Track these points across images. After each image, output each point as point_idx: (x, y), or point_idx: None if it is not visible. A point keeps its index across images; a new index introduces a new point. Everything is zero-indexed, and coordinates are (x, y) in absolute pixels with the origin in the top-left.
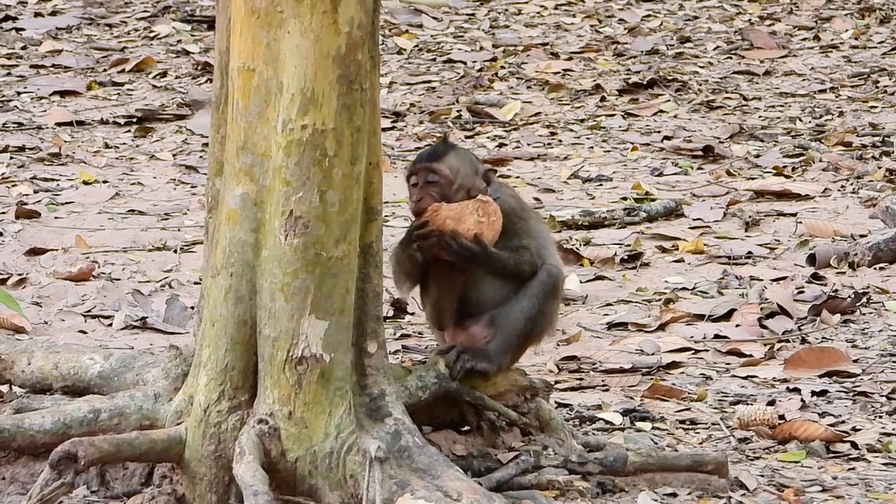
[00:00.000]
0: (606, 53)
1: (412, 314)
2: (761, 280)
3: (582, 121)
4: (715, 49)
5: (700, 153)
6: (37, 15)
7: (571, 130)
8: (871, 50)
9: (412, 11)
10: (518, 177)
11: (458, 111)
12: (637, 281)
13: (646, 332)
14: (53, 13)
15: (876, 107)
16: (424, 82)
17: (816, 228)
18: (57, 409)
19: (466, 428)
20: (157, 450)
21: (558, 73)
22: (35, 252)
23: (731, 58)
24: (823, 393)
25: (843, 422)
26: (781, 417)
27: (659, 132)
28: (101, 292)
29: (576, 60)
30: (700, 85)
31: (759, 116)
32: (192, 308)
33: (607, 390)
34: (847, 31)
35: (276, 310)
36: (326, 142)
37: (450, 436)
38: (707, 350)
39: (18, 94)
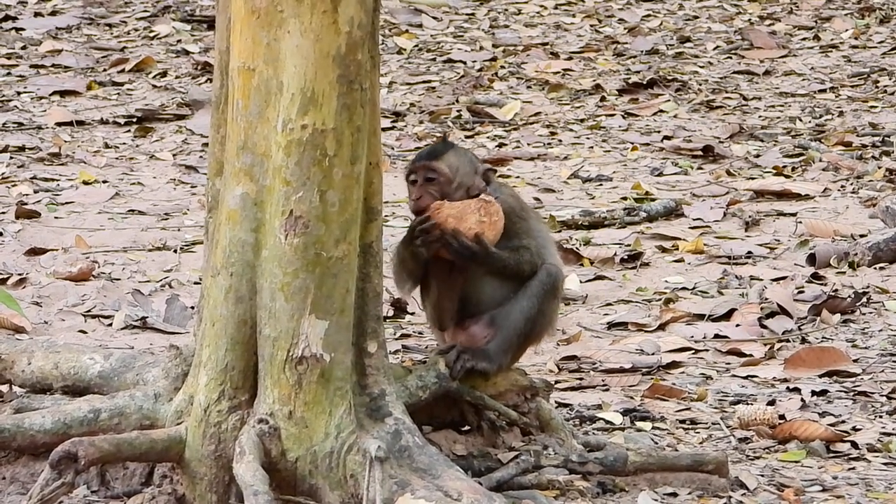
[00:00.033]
0: (606, 53)
1: (412, 314)
2: (761, 280)
3: (582, 121)
4: (715, 49)
5: (700, 153)
6: (37, 15)
7: (571, 130)
8: (871, 50)
9: (412, 11)
10: (518, 177)
11: (458, 111)
12: (637, 281)
13: (646, 331)
14: (53, 13)
15: (876, 107)
16: (424, 82)
17: (816, 228)
18: (57, 408)
19: (466, 428)
20: (158, 450)
21: (558, 72)
22: (35, 252)
23: (731, 58)
24: (823, 393)
25: (843, 421)
26: (781, 417)
27: (659, 132)
28: (101, 292)
29: (576, 60)
30: (700, 85)
31: (759, 116)
32: (192, 308)
33: (607, 390)
34: (847, 30)
35: (276, 309)
36: (326, 142)
37: (450, 435)
38: (707, 350)
39: (18, 94)
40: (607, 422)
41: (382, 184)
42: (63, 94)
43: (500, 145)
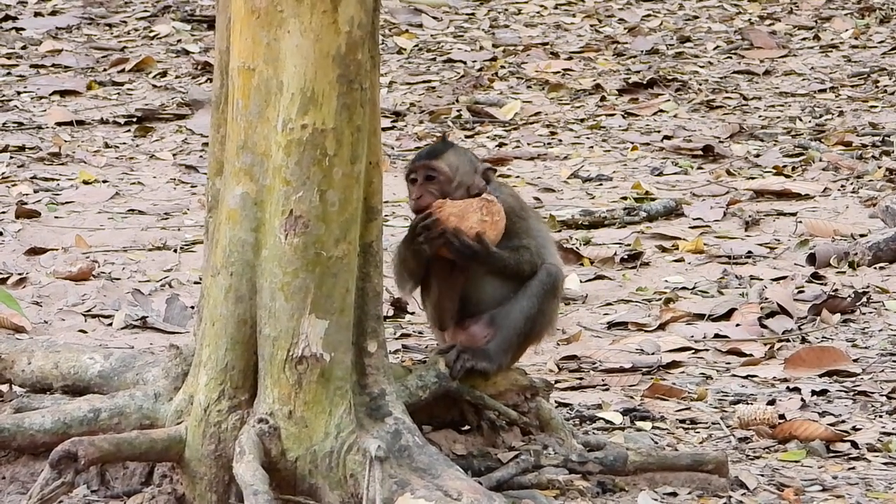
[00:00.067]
0: (606, 53)
1: (412, 314)
2: (761, 280)
3: (582, 120)
4: (715, 49)
5: (700, 153)
6: (37, 15)
7: (571, 130)
8: (871, 50)
9: (412, 11)
10: (518, 176)
11: (458, 111)
12: (637, 280)
13: (646, 331)
14: (53, 13)
15: (876, 106)
16: (424, 82)
17: (816, 228)
18: (57, 408)
19: (466, 427)
20: (157, 449)
21: (558, 72)
22: (35, 252)
23: (731, 57)
24: (823, 392)
25: (843, 421)
26: (781, 417)
27: (659, 132)
28: (101, 292)
29: (576, 60)
30: (700, 85)
31: (759, 116)
32: (192, 308)
33: (607, 390)
34: (847, 30)
35: (276, 309)
36: (326, 141)
37: (450, 435)
38: (707, 349)
39: (18, 93)
40: (607, 421)
41: (382, 183)
42: (63, 93)
43: (500, 145)
